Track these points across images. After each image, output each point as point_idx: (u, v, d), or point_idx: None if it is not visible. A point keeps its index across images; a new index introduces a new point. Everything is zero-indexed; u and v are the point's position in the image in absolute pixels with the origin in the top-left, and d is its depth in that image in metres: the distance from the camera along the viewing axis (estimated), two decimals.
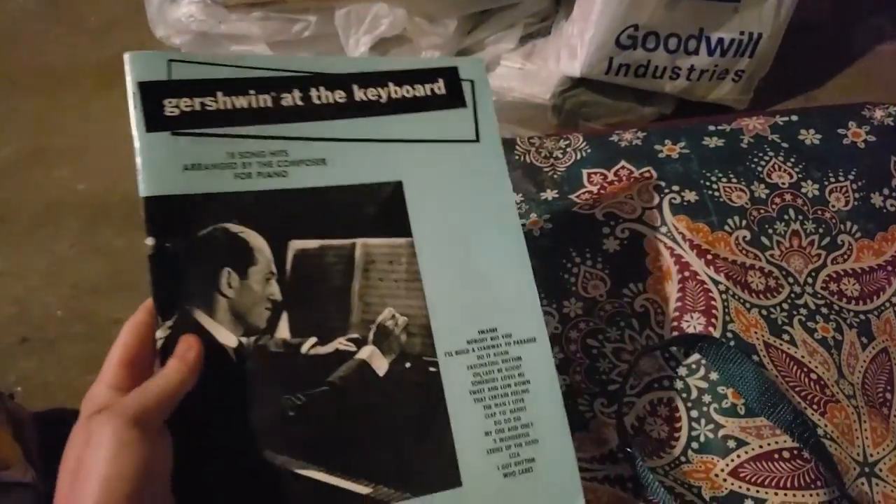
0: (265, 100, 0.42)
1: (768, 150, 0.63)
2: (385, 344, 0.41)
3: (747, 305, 0.54)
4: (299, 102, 0.43)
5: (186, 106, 0.40)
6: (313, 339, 0.40)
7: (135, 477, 0.32)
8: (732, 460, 0.48)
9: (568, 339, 0.54)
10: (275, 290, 0.40)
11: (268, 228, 0.41)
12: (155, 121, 0.39)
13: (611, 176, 0.62)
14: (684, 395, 0.51)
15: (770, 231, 0.58)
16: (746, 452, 0.48)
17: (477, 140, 0.46)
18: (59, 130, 1.15)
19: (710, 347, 0.51)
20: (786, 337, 0.53)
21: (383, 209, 0.43)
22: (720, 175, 0.61)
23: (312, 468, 0.38)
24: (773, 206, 0.59)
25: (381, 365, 0.41)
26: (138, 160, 0.39)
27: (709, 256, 0.56)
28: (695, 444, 0.49)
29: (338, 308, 0.41)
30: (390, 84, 0.45)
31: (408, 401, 0.41)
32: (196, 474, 0.37)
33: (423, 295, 0.42)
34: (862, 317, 0.55)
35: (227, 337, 0.39)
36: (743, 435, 0.49)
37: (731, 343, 0.52)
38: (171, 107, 0.40)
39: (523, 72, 1.14)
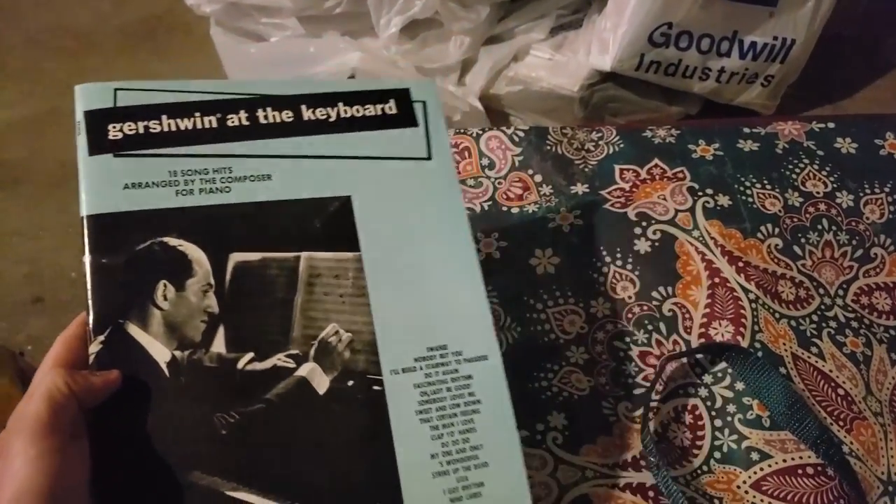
0: (210, 121, 0.43)
1: (803, 157, 0.62)
2: (327, 361, 0.40)
3: (777, 315, 0.53)
4: (245, 122, 0.43)
5: (130, 129, 0.41)
6: (250, 355, 0.39)
7: (46, 491, 0.32)
8: (755, 473, 0.47)
9: (594, 339, 0.54)
10: (212, 303, 0.39)
11: (208, 241, 0.40)
12: (98, 145, 0.41)
13: (643, 174, 0.61)
14: (709, 403, 0.50)
15: (803, 240, 0.57)
16: (770, 466, 0.48)
17: (429, 158, 0.46)
18: None
19: (737, 357, 0.50)
20: (814, 350, 0.52)
21: (330, 223, 0.43)
22: (754, 180, 0.60)
23: (243, 490, 0.37)
24: (807, 216, 0.58)
25: (321, 382, 0.39)
26: (81, 183, 0.40)
27: (740, 264, 0.55)
28: (717, 454, 0.48)
29: (278, 322, 0.40)
30: (339, 104, 0.46)
31: (349, 420, 0.39)
32: (117, 491, 0.36)
33: (369, 311, 0.41)
34: (892, 332, 0.54)
35: (160, 351, 0.38)
36: (767, 448, 0.48)
37: (759, 353, 0.51)
38: (115, 131, 0.41)
39: (552, 63, 1.13)
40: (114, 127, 0.41)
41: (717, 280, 0.54)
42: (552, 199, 0.61)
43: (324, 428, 0.39)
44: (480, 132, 0.65)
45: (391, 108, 0.47)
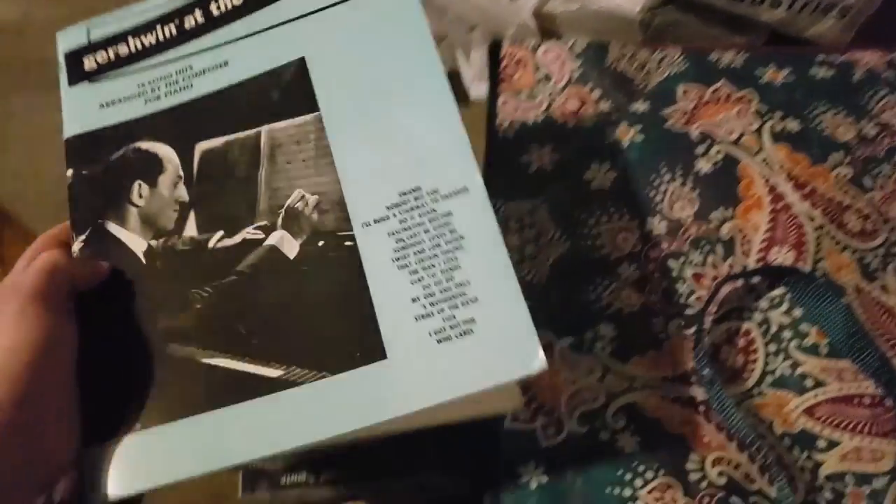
0: (169, 29, 0.46)
1: (882, 87, 0.58)
2: (295, 226, 0.40)
3: (841, 245, 0.51)
4: (200, 20, 0.45)
5: (101, 59, 0.46)
6: (220, 233, 0.41)
7: (34, 347, 0.33)
8: (808, 399, 0.46)
9: (647, 257, 0.52)
10: (182, 193, 0.42)
11: (175, 138, 0.43)
12: (76, 76, 0.45)
13: (708, 95, 0.59)
14: (763, 328, 0.48)
15: (875, 172, 0.54)
16: (825, 393, 0.46)
17: None
18: None
19: (798, 282, 0.48)
20: (878, 283, 0.50)
21: (287, 91, 0.43)
22: (827, 107, 0.57)
23: (219, 356, 0.38)
24: (881, 147, 0.55)
25: (291, 248, 0.40)
26: (63, 112, 0.45)
27: (806, 190, 0.52)
28: (769, 378, 0.47)
29: (244, 199, 0.41)
30: None
31: (322, 279, 0.39)
32: (99, 366, 0.38)
33: (334, 169, 0.41)
34: None
35: (137, 242, 0.41)
36: (823, 375, 0.46)
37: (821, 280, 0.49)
38: (90, 62, 0.46)
39: None
40: (88, 59, 0.46)
41: (779, 205, 0.52)
42: (610, 116, 0.58)
43: (297, 290, 0.39)
44: (539, 43, 0.63)
45: None
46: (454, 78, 0.96)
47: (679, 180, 0.54)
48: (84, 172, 0.43)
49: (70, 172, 0.43)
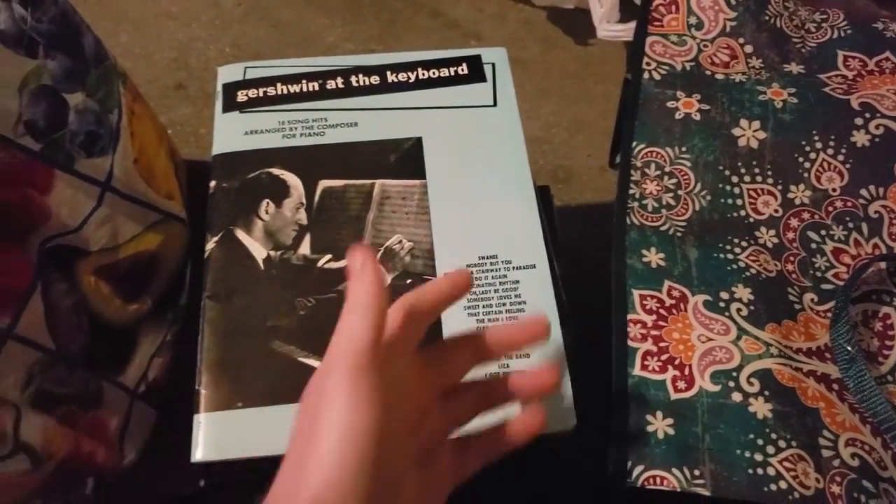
0: (313, 86, 0.56)
1: None
2: (390, 263, 0.48)
3: None
4: (341, 86, 0.56)
5: (252, 94, 0.55)
6: (328, 256, 0.48)
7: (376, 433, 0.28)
8: None
9: (787, 225, 0.50)
10: (302, 217, 0.50)
11: (303, 171, 0.51)
12: (229, 105, 0.55)
13: (871, 65, 0.56)
14: None
15: None
16: None
17: (494, 105, 0.55)
18: None
19: None
20: None
21: (403, 158, 0.52)
22: None
23: (312, 357, 0.44)
24: None
25: (384, 279, 0.44)
26: (214, 133, 0.53)
27: None
28: None
29: (353, 232, 0.49)
30: (419, 69, 0.57)
31: None
32: (222, 351, 0.45)
33: (429, 225, 0.49)
34: None
35: (259, 250, 0.49)
36: None
37: None
38: (242, 95, 0.55)
39: None
40: (241, 92, 0.55)
41: None
42: (762, 73, 0.56)
43: None
44: None
45: (463, 69, 0.57)
46: (584, 14, 0.93)
47: (831, 150, 0.52)
48: (224, 185, 0.51)
49: (213, 183, 0.51)
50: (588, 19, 0.89)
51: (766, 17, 0.59)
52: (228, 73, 0.56)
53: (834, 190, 0.51)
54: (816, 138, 0.52)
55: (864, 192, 0.50)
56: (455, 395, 0.37)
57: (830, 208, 0.50)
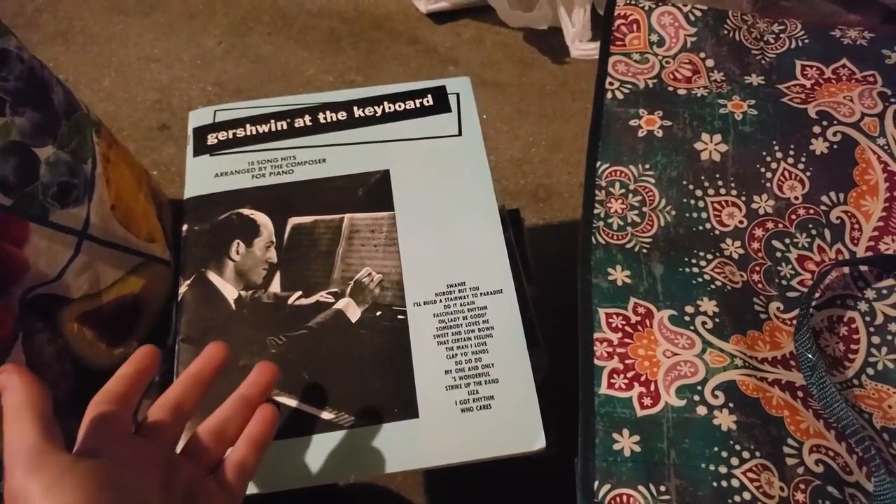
0: (281, 125, 0.57)
1: None
2: (360, 296, 0.49)
3: None
4: (308, 123, 0.57)
5: (222, 136, 0.56)
6: (299, 293, 0.49)
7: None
8: None
9: (752, 235, 0.50)
10: (272, 255, 0.51)
11: (273, 210, 0.52)
12: (199, 149, 0.56)
13: (828, 73, 0.57)
14: (867, 318, 0.47)
15: None
16: None
17: (459, 134, 0.56)
18: None
19: None
20: None
21: (371, 191, 0.53)
22: None
23: (284, 395, 0.46)
24: None
25: (354, 313, 0.48)
26: (186, 176, 0.55)
27: None
28: (870, 371, 0.46)
29: (322, 268, 0.50)
30: (385, 102, 0.58)
31: (375, 343, 0.47)
32: None
33: (398, 257, 0.50)
34: None
35: (230, 290, 0.49)
36: None
37: None
38: (212, 138, 0.56)
39: None
40: (212, 135, 0.56)
41: None
42: (723, 86, 0.57)
43: (354, 348, 0.47)
44: (653, 6, 0.61)
45: (428, 100, 0.58)
46: (559, 33, 0.95)
47: (791, 159, 0.52)
48: (196, 228, 0.52)
49: (185, 227, 0.52)
50: (564, 38, 0.90)
51: (725, 31, 0.59)
52: (199, 117, 0.58)
53: (796, 198, 0.51)
54: (777, 148, 0.53)
55: (825, 198, 0.51)
56: (194, 443, 0.39)
57: (794, 216, 0.51)
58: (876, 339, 0.46)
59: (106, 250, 0.57)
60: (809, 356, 0.43)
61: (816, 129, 0.53)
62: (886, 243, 0.49)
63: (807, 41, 0.58)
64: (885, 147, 0.52)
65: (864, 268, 0.49)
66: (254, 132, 0.56)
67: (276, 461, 0.44)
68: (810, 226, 0.50)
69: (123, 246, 0.59)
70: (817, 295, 0.48)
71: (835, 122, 0.53)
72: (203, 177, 0.54)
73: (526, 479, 0.41)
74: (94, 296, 0.56)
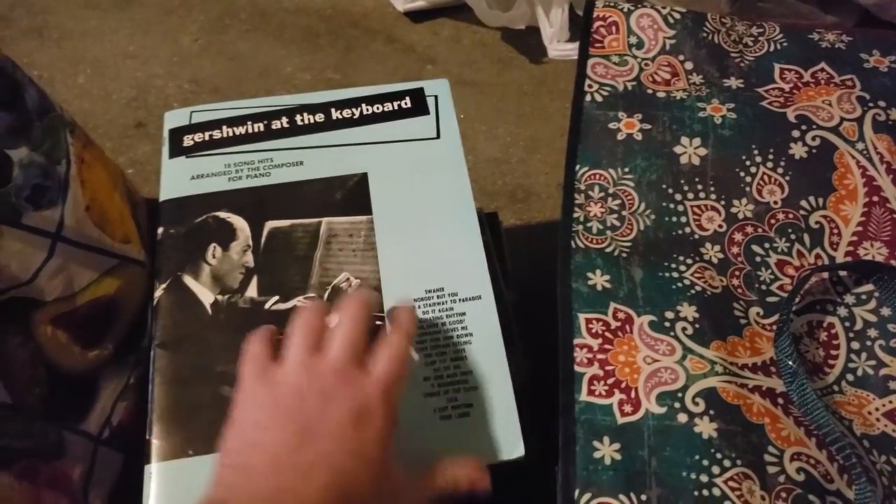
0: (258, 127, 0.56)
1: None
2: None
3: None
4: (286, 125, 0.56)
5: (198, 138, 0.55)
6: (276, 298, 0.49)
7: None
8: (891, 402, 0.45)
9: (731, 240, 0.50)
10: (249, 259, 0.50)
11: (250, 213, 0.51)
12: (175, 150, 0.55)
13: (807, 76, 0.57)
14: (847, 324, 0.47)
15: None
16: None
17: (437, 137, 0.55)
18: None
19: (890, 280, 0.47)
20: None
21: (349, 194, 0.53)
22: None
23: None
24: None
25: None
26: (161, 179, 0.54)
27: None
28: (850, 377, 0.46)
29: (300, 273, 0.49)
30: (363, 104, 0.57)
31: None
32: (169, 399, 0.45)
33: (376, 262, 0.50)
34: None
35: (206, 295, 0.49)
36: None
37: None
38: (188, 140, 0.55)
39: None
40: (187, 137, 0.55)
41: (876, 198, 0.50)
42: (702, 89, 0.57)
43: None
44: (632, 7, 0.61)
45: (406, 103, 0.57)
46: (537, 33, 0.94)
47: (771, 163, 0.52)
48: (171, 231, 0.51)
49: (160, 230, 0.52)
50: (542, 38, 0.90)
51: (705, 34, 0.59)
52: (175, 118, 0.57)
53: (775, 202, 0.51)
54: (756, 152, 0.53)
55: (804, 203, 0.51)
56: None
57: (773, 221, 0.51)
58: (856, 345, 0.46)
59: (80, 252, 0.56)
60: (790, 363, 0.43)
61: (795, 134, 0.53)
62: (865, 248, 0.49)
63: (785, 44, 0.59)
64: (864, 152, 0.52)
65: (843, 273, 0.49)
66: (230, 134, 0.56)
67: None
68: (790, 230, 0.50)
69: (98, 247, 0.58)
70: (797, 300, 0.48)
71: (814, 127, 0.53)
72: (179, 179, 0.54)
73: (505, 487, 0.41)
74: (69, 298, 0.55)
